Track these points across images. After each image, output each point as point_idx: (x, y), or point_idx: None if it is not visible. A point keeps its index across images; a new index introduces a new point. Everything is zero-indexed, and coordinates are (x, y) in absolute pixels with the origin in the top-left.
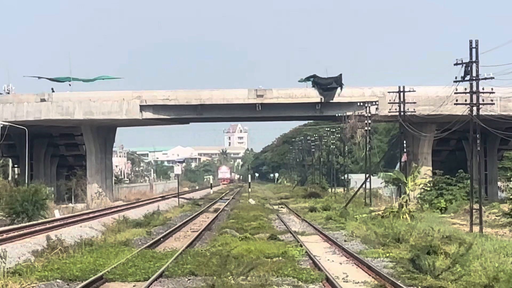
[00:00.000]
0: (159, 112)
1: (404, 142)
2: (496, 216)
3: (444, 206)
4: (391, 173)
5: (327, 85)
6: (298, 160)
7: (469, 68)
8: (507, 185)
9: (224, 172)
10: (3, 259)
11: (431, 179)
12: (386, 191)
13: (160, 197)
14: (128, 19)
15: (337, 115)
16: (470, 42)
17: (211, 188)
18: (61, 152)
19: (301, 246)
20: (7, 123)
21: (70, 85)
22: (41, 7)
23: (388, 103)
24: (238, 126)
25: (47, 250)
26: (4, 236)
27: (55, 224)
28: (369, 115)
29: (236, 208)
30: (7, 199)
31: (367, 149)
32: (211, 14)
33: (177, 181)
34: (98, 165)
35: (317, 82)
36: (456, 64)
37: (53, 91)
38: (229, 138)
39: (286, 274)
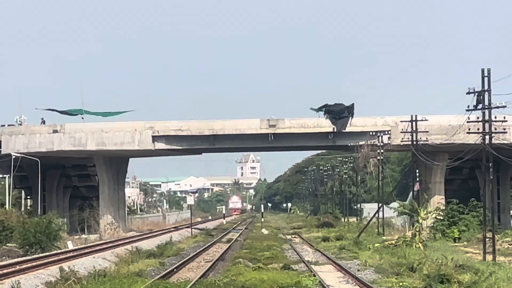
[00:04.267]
0: (172, 142)
1: (417, 171)
2: (509, 244)
3: (458, 236)
4: (404, 202)
5: (339, 112)
6: (310, 190)
7: (481, 96)
8: None
9: (235, 202)
10: None
11: (443, 208)
12: (399, 220)
13: (173, 227)
14: (140, 51)
15: (349, 144)
16: (482, 70)
17: (224, 219)
18: (74, 183)
19: (314, 275)
20: (19, 155)
21: (82, 118)
22: (52, 41)
23: (401, 132)
24: (251, 156)
25: (60, 282)
26: (18, 267)
27: (68, 255)
28: (382, 144)
29: (249, 238)
30: (20, 231)
31: (380, 179)
32: (221, 45)
33: (190, 212)
34: (111, 196)
35: (329, 110)
36: (469, 92)
37: (43, 122)
38: (242, 168)
39: None
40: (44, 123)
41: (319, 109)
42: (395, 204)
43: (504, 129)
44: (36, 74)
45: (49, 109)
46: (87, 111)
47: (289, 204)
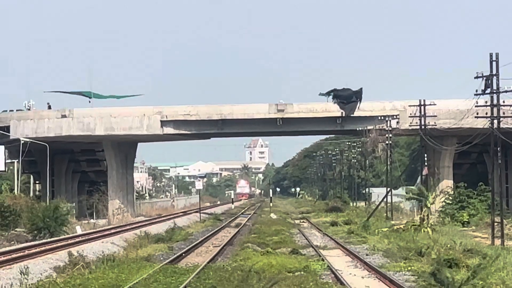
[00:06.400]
0: (180, 127)
1: (425, 155)
2: None
3: (467, 220)
4: (413, 187)
5: (347, 97)
6: (319, 174)
7: (489, 81)
8: None
9: (242, 186)
10: (25, 276)
11: (452, 192)
12: (408, 205)
13: (181, 212)
14: (149, 35)
15: (358, 129)
16: (491, 55)
17: (233, 203)
18: (82, 168)
19: (322, 260)
20: (28, 140)
21: (90, 101)
22: (61, 24)
23: (409, 116)
24: (259, 141)
25: (69, 266)
26: (26, 252)
27: (77, 240)
28: (390, 129)
29: (257, 222)
30: (29, 215)
31: (388, 163)
32: (230, 30)
33: (199, 196)
34: (119, 181)
35: (337, 95)
36: (477, 77)
37: (49, 107)
38: (250, 153)
39: None
40: (50, 108)
41: (327, 94)
42: (401, 191)
43: None
44: (45, 60)
45: (58, 91)
46: (96, 93)
47: (298, 189)
